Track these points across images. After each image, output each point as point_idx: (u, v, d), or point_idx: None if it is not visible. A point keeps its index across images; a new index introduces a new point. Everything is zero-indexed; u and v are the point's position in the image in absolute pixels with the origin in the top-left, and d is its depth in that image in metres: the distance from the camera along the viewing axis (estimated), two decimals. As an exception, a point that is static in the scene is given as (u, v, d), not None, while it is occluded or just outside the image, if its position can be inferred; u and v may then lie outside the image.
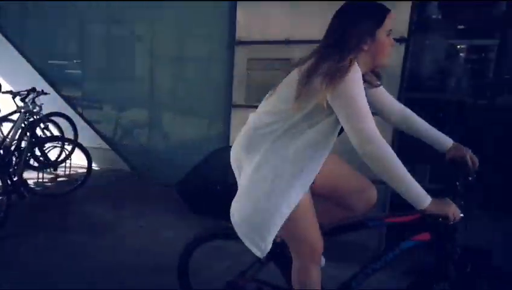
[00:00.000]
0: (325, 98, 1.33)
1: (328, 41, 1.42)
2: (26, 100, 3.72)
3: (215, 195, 1.76)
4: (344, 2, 1.43)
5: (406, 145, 1.68)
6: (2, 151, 3.45)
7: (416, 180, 1.32)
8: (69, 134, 4.36)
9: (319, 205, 1.61)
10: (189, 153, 3.82)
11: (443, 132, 1.62)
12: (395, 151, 1.32)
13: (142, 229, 3.23)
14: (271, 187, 1.46)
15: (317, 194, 1.63)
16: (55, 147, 4.01)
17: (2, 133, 4.35)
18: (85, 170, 3.91)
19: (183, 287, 2.04)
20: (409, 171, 1.32)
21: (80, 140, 4.23)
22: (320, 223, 1.60)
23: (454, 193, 1.47)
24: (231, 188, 1.63)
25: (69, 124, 4.41)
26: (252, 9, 3.24)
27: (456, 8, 3.17)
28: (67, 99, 4.58)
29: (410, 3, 2.74)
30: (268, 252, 1.55)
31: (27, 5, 4.55)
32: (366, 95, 1.35)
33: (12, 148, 3.53)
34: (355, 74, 1.32)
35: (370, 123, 1.32)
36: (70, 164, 4.20)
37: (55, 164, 4.10)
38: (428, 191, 1.33)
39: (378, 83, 1.58)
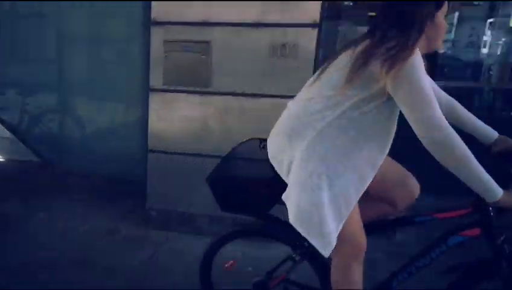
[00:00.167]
0: (385, 84, 1.26)
1: (387, 22, 1.33)
2: None
3: (246, 190, 1.64)
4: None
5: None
6: None
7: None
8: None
9: (361, 201, 1.48)
10: (105, 140, 3.61)
11: None
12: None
13: (52, 223, 3.01)
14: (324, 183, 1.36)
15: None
16: None
17: None
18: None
19: (205, 288, 1.92)
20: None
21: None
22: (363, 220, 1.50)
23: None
24: (265, 183, 1.53)
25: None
26: (168, -13, 3.09)
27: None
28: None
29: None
30: (301, 251, 1.52)
31: None
32: None
33: None
34: (418, 58, 1.25)
35: (438, 110, 1.25)
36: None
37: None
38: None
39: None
